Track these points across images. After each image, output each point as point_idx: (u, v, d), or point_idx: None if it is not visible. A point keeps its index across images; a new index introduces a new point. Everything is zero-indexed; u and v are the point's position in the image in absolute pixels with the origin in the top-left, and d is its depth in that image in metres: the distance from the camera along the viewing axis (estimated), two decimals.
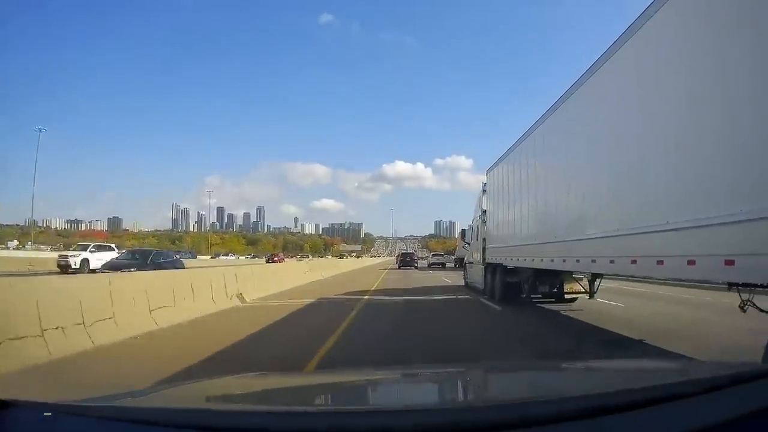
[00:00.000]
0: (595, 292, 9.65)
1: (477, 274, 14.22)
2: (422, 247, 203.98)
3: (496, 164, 11.96)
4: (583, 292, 9.92)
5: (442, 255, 50.63)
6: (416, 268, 38.38)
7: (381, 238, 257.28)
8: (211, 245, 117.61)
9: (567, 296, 10.26)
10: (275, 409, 1.49)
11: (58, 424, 1.23)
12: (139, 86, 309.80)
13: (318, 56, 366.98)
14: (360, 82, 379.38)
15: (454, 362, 4.74)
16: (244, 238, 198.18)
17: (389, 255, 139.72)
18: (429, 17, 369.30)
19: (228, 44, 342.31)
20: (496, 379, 2.20)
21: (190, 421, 1.22)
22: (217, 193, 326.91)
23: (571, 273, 8.94)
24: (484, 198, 13.33)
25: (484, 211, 13.21)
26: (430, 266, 41.67)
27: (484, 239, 13.09)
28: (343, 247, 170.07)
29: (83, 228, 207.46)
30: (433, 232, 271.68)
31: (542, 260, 8.18)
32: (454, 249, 51.11)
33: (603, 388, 1.56)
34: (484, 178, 13.68)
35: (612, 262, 5.50)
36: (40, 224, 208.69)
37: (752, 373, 1.42)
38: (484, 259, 12.95)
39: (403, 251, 53.66)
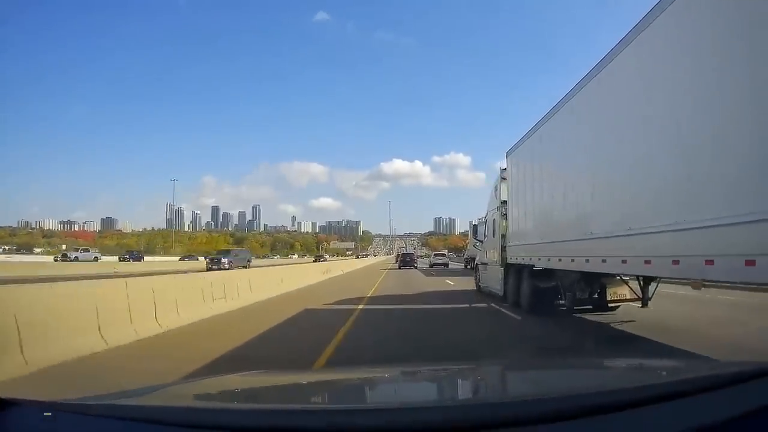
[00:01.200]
0: (649, 299, 7.67)
1: (493, 278, 11.99)
2: (422, 245, 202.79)
3: (521, 142, 9.70)
4: (630, 299, 7.98)
5: (444, 254, 48.71)
6: (416, 267, 37.55)
7: (379, 236, 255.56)
8: (199, 244, 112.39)
9: (610, 304, 8.30)
10: (274, 407, 1.49)
11: (58, 424, 1.21)
12: (138, 87, 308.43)
13: (317, 56, 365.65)
14: (359, 81, 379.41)
15: (454, 360, 4.45)
16: (231, 237, 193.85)
17: (387, 254, 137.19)
18: (427, 16, 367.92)
19: (225, 44, 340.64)
20: (495, 377, 2.19)
21: (190, 419, 1.22)
22: (213, 192, 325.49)
23: (615, 274, 6.97)
24: (503, 186, 11.09)
25: (503, 202, 10.99)
26: (432, 267, 38.83)
27: (502, 235, 10.93)
28: (337, 244, 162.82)
29: (76, 229, 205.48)
30: (432, 229, 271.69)
31: (605, 261, 5.96)
32: (457, 247, 49.24)
33: (604, 387, 1.59)
34: (491, 172, 11.89)
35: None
36: (33, 226, 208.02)
37: (753, 372, 1.37)
38: (503, 259, 10.81)
39: (402, 251, 55.48)
